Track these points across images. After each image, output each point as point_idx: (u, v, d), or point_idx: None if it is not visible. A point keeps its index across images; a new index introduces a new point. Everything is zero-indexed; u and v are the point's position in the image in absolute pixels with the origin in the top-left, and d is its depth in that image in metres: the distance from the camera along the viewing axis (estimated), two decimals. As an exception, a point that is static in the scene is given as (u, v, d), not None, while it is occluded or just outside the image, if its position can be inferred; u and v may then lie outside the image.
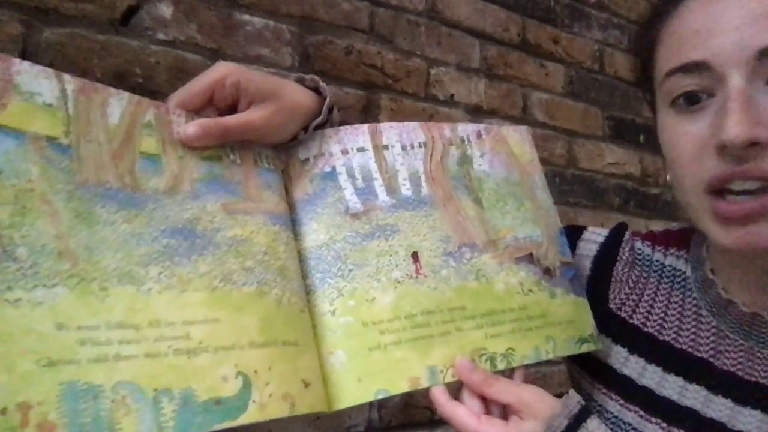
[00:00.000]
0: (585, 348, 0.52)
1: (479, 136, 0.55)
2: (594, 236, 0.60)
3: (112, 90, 0.37)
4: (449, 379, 0.46)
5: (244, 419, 0.33)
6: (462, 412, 0.44)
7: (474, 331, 0.48)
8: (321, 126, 0.49)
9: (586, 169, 1.31)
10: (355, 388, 0.43)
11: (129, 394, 0.29)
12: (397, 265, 0.47)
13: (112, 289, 0.31)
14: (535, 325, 0.50)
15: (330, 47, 0.98)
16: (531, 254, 0.53)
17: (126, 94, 0.38)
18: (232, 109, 0.45)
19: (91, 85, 0.36)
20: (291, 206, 0.48)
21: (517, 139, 0.57)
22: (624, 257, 0.56)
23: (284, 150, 0.49)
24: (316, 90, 0.49)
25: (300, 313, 0.43)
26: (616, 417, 0.51)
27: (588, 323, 0.53)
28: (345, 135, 0.50)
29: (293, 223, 0.47)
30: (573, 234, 0.59)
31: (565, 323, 0.52)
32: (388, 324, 0.45)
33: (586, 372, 0.55)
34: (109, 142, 0.36)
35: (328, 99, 0.49)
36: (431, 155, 0.52)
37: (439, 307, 0.47)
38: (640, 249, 0.56)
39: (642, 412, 0.49)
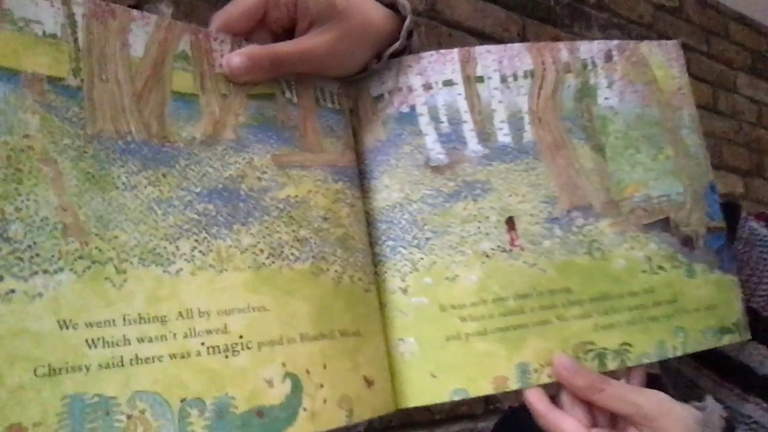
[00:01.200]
0: (727, 340, 0.44)
1: (609, 58, 0.45)
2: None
3: (135, 13, 0.31)
4: (545, 380, 0.40)
5: (291, 433, 0.29)
6: (571, 425, 0.38)
7: (580, 320, 0.41)
8: (398, 54, 0.41)
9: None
10: (428, 384, 0.38)
11: (149, 407, 0.25)
12: (486, 234, 0.40)
13: (132, 272, 0.27)
14: (663, 312, 0.42)
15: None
16: (667, 218, 0.44)
17: (153, 18, 0.32)
18: (289, 32, 0.38)
19: (106, 8, 0.30)
20: (359, 156, 0.41)
21: (662, 59, 0.46)
22: (744, 237, 0.50)
23: (353, 85, 0.42)
24: (393, 7, 0.41)
25: (364, 293, 0.37)
26: (756, 423, 0.44)
27: (734, 308, 0.45)
28: (429, 64, 0.42)
29: (361, 178, 0.41)
30: None
31: (704, 309, 0.44)
32: (472, 309, 0.39)
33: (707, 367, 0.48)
34: (132, 81, 0.30)
35: (408, 19, 0.41)
36: (540, 88, 0.43)
37: (537, 288, 0.40)
38: (756, 229, 0.51)
39: None
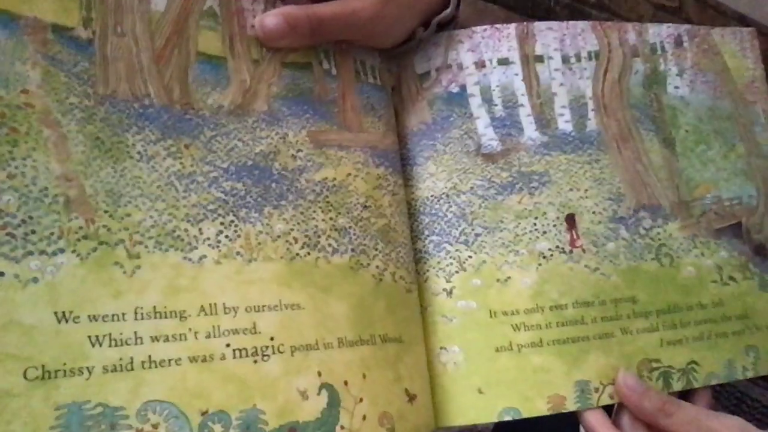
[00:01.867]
0: None
1: (679, 43, 0.41)
2: None
3: None
4: (606, 401, 0.35)
5: (326, 456, 0.25)
6: None
7: (646, 334, 0.37)
8: (446, 24, 0.37)
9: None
10: (474, 401, 0.34)
11: (163, 420, 0.21)
12: (544, 232, 0.36)
13: (147, 258, 0.23)
14: (733, 329, 0.38)
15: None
16: (739, 224, 0.39)
17: None
18: None
19: None
20: (400, 140, 0.37)
21: (736, 48, 0.42)
22: None
23: (396, 59, 0.37)
24: None
25: (406, 294, 0.33)
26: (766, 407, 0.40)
27: None
28: (482, 40, 0.38)
29: (404, 164, 0.37)
30: None
31: None
32: (526, 316, 0.35)
33: None
34: (151, 38, 0.26)
35: None
36: (606, 71, 0.39)
37: (599, 296, 0.36)
38: None
39: None
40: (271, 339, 0.25)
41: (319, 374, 0.26)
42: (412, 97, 0.38)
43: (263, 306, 0.25)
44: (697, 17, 1.71)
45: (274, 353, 0.25)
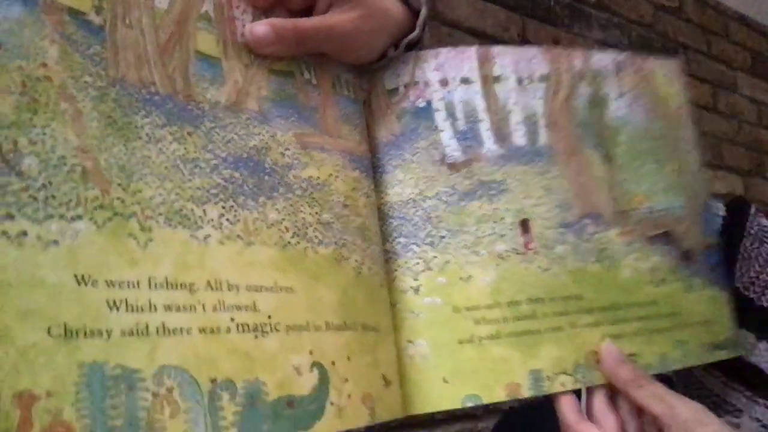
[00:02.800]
0: (721, 355, 0.44)
1: (619, 70, 0.45)
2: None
3: None
4: (557, 388, 0.38)
5: (319, 429, 0.26)
6: None
7: (591, 328, 0.40)
8: (414, 45, 0.40)
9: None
10: (439, 389, 0.36)
11: (177, 385, 0.21)
12: (502, 236, 0.39)
13: (158, 232, 0.23)
14: (664, 325, 0.42)
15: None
16: (667, 232, 0.44)
17: None
18: (307, 13, 0.36)
19: None
20: (372, 149, 0.39)
21: (666, 76, 0.47)
22: (753, 232, 0.51)
23: (367, 76, 0.40)
24: (406, 3, 0.40)
25: (380, 288, 0.35)
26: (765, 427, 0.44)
27: (727, 324, 0.45)
28: (446, 59, 0.41)
29: (373, 172, 0.39)
30: None
31: (700, 324, 0.44)
32: (486, 311, 0.37)
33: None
34: (156, 32, 0.27)
35: (423, 11, 0.40)
36: (555, 93, 0.43)
37: (550, 294, 0.39)
38: (766, 226, 0.52)
39: None
40: (269, 317, 0.26)
41: (311, 353, 0.27)
42: (382, 111, 0.40)
43: (261, 287, 0.26)
44: (697, 17, 1.72)
45: (271, 331, 0.26)
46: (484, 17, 1.19)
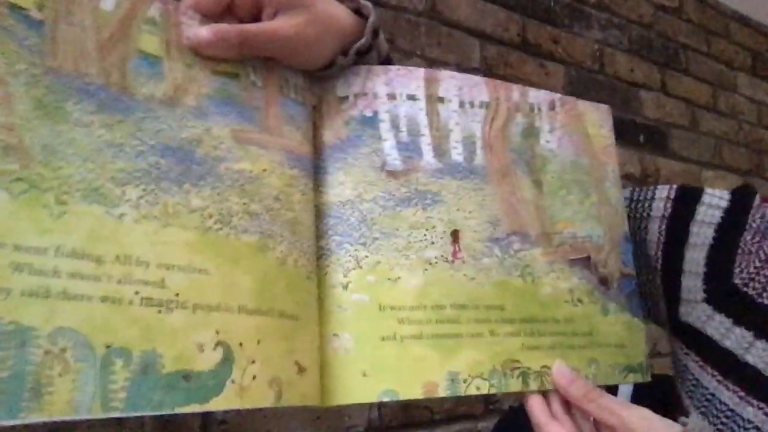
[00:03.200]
0: (631, 379, 0.46)
1: (552, 107, 0.48)
2: (716, 200, 0.50)
3: None
4: (473, 391, 0.40)
5: (216, 404, 0.27)
6: None
7: (510, 338, 0.41)
8: (364, 53, 0.42)
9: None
10: (358, 383, 0.37)
11: (71, 346, 0.23)
12: (432, 243, 0.41)
13: (74, 206, 0.25)
14: (579, 343, 0.44)
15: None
16: (588, 257, 0.46)
17: None
18: (256, 21, 0.38)
19: None
20: (318, 151, 0.41)
21: (595, 118, 0.50)
22: (755, 226, 0.48)
23: (319, 83, 0.42)
24: (357, 12, 0.42)
25: (306, 279, 0.36)
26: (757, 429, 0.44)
27: (640, 350, 0.47)
28: (395, 77, 0.43)
29: (317, 172, 0.40)
30: (689, 196, 0.51)
31: (614, 347, 0.46)
32: (410, 312, 0.39)
33: (694, 352, 0.48)
34: (98, 31, 0.29)
35: (371, 18, 0.42)
36: (493, 119, 0.45)
37: (473, 301, 0.41)
38: None
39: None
40: (176, 295, 0.28)
41: (217, 333, 0.29)
42: (331, 116, 0.42)
43: (173, 266, 0.28)
44: (697, 17, 1.72)
45: (177, 308, 0.27)
46: (484, 17, 1.20)
